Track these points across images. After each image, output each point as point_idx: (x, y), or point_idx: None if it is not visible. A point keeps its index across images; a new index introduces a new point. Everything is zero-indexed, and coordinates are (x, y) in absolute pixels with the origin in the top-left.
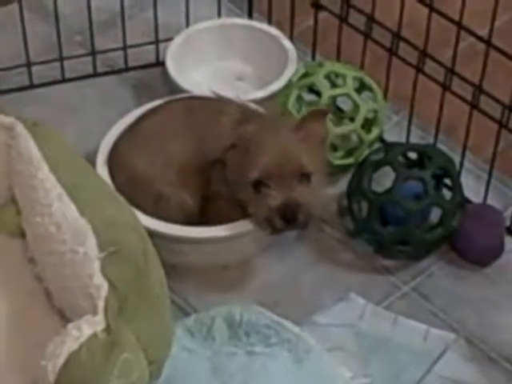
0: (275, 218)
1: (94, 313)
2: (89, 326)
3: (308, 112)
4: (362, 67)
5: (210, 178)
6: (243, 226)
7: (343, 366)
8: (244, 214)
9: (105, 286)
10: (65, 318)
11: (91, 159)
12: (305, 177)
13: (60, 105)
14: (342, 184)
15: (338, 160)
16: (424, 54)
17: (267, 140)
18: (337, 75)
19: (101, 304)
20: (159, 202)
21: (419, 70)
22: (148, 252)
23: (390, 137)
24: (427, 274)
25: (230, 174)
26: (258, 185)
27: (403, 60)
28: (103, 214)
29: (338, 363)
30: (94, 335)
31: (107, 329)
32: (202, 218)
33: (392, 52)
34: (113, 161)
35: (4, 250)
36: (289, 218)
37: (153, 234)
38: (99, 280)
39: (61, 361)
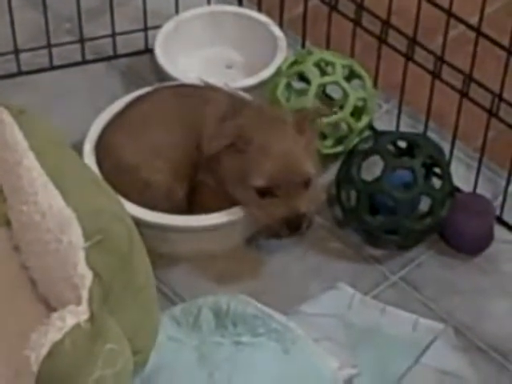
0: (279, 227)
1: (78, 303)
2: (72, 316)
3: (303, 112)
4: (351, 55)
5: (197, 167)
6: (231, 214)
7: (331, 356)
8: (230, 205)
9: (89, 275)
10: (50, 307)
11: (79, 147)
12: (307, 183)
13: (48, 92)
14: (331, 173)
15: (327, 148)
16: (414, 41)
17: (271, 143)
18: (326, 63)
19: (85, 294)
20: (146, 190)
21: (409, 58)
22: (134, 241)
23: (379, 125)
24: (416, 264)
25: (227, 173)
26: (262, 192)
27: (393, 48)
28: (89, 203)
29: (326, 353)
30: (78, 325)
31: (91, 319)
32: (189, 206)
33: (382, 40)
34: (100, 149)
35: None
36: (294, 228)
37: (140, 223)
38: (83, 270)
39: (44, 351)
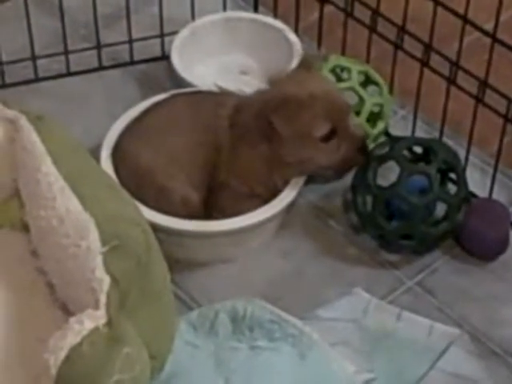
0: (355, 156)
1: (96, 307)
2: (90, 320)
3: (301, 61)
4: (367, 61)
5: (217, 170)
6: (247, 219)
7: (347, 361)
8: (252, 206)
9: (107, 280)
10: (68, 312)
11: (96, 153)
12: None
13: (65, 98)
14: (347, 178)
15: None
16: (429, 47)
17: (316, 91)
18: (342, 69)
19: (103, 298)
20: (161, 195)
21: (424, 63)
22: (151, 246)
23: (395, 131)
24: (432, 269)
25: (286, 132)
26: (327, 137)
27: (408, 54)
28: (106, 208)
29: (342, 358)
30: (96, 329)
31: (109, 323)
32: (207, 211)
33: (397, 46)
34: (117, 154)
35: (7, 243)
36: (364, 151)
37: (156, 228)
38: (101, 274)
39: (62, 354)
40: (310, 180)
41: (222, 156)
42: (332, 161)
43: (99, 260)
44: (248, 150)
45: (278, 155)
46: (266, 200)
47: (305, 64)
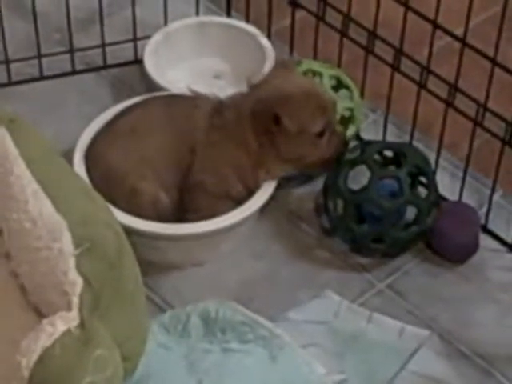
0: (341, 150)
1: (69, 309)
2: (63, 322)
3: (280, 63)
4: (339, 66)
5: (191, 171)
6: (220, 222)
7: (318, 363)
8: (226, 206)
9: (79, 282)
10: (40, 314)
11: (69, 156)
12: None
13: (38, 102)
14: (318, 182)
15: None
16: (400, 52)
17: (307, 89)
18: (314, 73)
19: (75, 300)
20: (132, 197)
21: (395, 68)
22: (123, 249)
23: (366, 135)
24: (402, 272)
25: (292, 128)
26: (320, 133)
27: (379, 58)
28: (79, 211)
29: (313, 360)
30: (68, 331)
31: (81, 325)
32: (180, 212)
33: (368, 50)
34: (90, 157)
35: None
36: (347, 143)
37: (129, 231)
38: (74, 276)
39: (35, 356)
40: (283, 184)
41: (197, 157)
42: (324, 156)
43: (72, 262)
44: (230, 149)
45: (272, 152)
46: (240, 202)
47: (284, 64)
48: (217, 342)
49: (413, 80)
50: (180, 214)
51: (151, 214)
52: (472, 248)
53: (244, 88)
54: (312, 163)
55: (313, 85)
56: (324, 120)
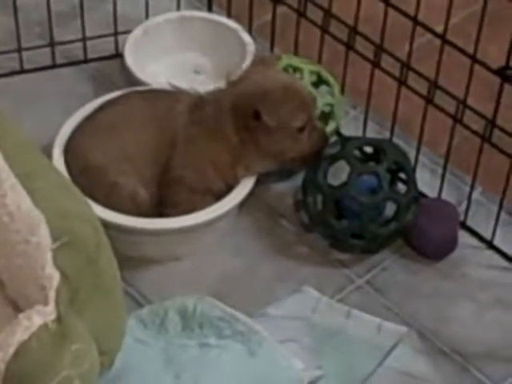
0: (321, 145)
1: (45, 303)
2: (39, 317)
3: (260, 60)
4: (319, 62)
5: (171, 165)
6: (198, 217)
7: (295, 358)
8: (204, 201)
9: (56, 276)
10: (18, 309)
11: (48, 150)
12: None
13: (18, 95)
14: (298, 178)
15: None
16: (381, 48)
17: (288, 84)
18: (294, 69)
19: (52, 295)
20: (112, 192)
21: (376, 64)
22: (101, 243)
23: (347, 131)
24: (381, 268)
25: (272, 123)
26: (301, 128)
27: (360, 55)
28: (57, 205)
29: (291, 355)
30: (45, 325)
31: (58, 319)
32: (159, 207)
33: (349, 47)
34: (69, 151)
35: None
36: (327, 139)
37: (108, 226)
38: (51, 271)
39: (11, 351)
40: (262, 179)
41: (176, 151)
42: (304, 151)
43: (49, 256)
44: (209, 144)
45: (252, 147)
46: (220, 197)
47: (264, 61)
48: (195, 338)
49: (393, 76)
50: (159, 209)
51: (130, 208)
52: (451, 245)
53: (224, 83)
54: (292, 159)
55: (293, 80)
56: (304, 115)
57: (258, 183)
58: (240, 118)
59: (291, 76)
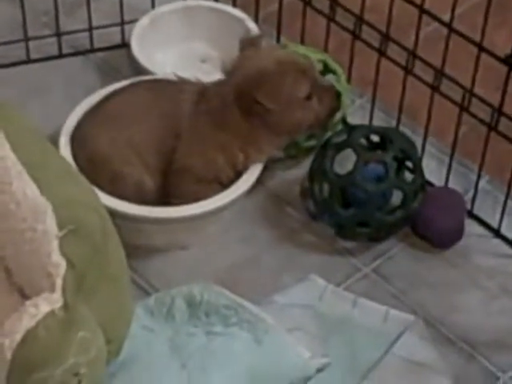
0: (333, 104)
1: (52, 290)
2: (46, 304)
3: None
4: (326, 50)
5: (177, 155)
6: (205, 205)
7: (302, 346)
8: (211, 190)
9: (63, 264)
10: (25, 296)
11: (55, 139)
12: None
13: (24, 85)
14: (305, 166)
15: (300, 142)
16: (387, 37)
17: (281, 58)
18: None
19: (59, 282)
20: (117, 181)
21: (382, 53)
22: (108, 231)
23: (353, 120)
24: (388, 256)
25: (273, 105)
26: (308, 96)
27: (366, 43)
28: (63, 193)
29: (297, 343)
30: (52, 313)
31: (65, 306)
32: (164, 197)
33: (355, 35)
34: (75, 140)
35: None
36: (339, 96)
37: (114, 214)
38: (58, 258)
39: (18, 337)
40: (269, 167)
41: (182, 142)
42: (320, 115)
43: (55, 244)
44: (217, 133)
45: (265, 130)
46: (226, 186)
47: (250, 41)
48: (201, 326)
49: (399, 65)
50: (165, 198)
51: (135, 198)
52: (457, 233)
53: (222, 74)
54: (309, 126)
55: (284, 54)
56: (306, 83)
57: (264, 171)
58: (244, 106)
59: (280, 50)
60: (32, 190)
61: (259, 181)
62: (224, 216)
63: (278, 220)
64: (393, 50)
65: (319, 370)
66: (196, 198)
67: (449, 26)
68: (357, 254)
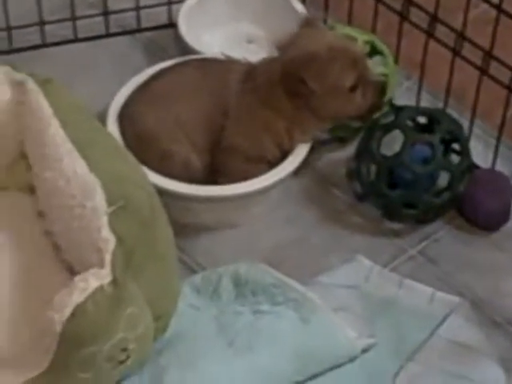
0: (378, 101)
1: (101, 266)
2: (95, 279)
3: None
4: (373, 32)
5: (224, 134)
6: (253, 184)
7: (348, 326)
8: (258, 169)
9: (112, 239)
10: (74, 273)
11: (102, 118)
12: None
13: (72, 64)
14: (351, 147)
15: (348, 122)
16: (435, 18)
17: (333, 44)
18: (348, 39)
19: (108, 257)
20: (164, 159)
21: (430, 34)
22: (155, 209)
23: (400, 102)
24: (434, 238)
25: (318, 88)
26: (353, 87)
27: (414, 25)
28: (112, 170)
29: (344, 323)
30: (101, 288)
31: (114, 282)
32: (212, 176)
33: (403, 16)
34: (123, 119)
35: (14, 205)
36: (385, 93)
37: (162, 192)
38: (107, 234)
39: (67, 312)
40: (315, 148)
41: (230, 121)
42: (361, 108)
43: (105, 220)
44: (264, 112)
45: (307, 112)
46: (273, 165)
47: (308, 22)
48: (247, 304)
49: (447, 47)
50: (212, 177)
51: (183, 176)
52: (504, 216)
53: (275, 51)
54: (350, 117)
55: (339, 40)
56: (354, 73)
57: (311, 152)
58: (290, 85)
59: (337, 35)
60: (81, 166)
61: (305, 161)
62: (271, 196)
63: (323, 201)
64: (440, 32)
65: (364, 351)
66: (243, 177)
67: (498, 7)
68: (403, 236)
